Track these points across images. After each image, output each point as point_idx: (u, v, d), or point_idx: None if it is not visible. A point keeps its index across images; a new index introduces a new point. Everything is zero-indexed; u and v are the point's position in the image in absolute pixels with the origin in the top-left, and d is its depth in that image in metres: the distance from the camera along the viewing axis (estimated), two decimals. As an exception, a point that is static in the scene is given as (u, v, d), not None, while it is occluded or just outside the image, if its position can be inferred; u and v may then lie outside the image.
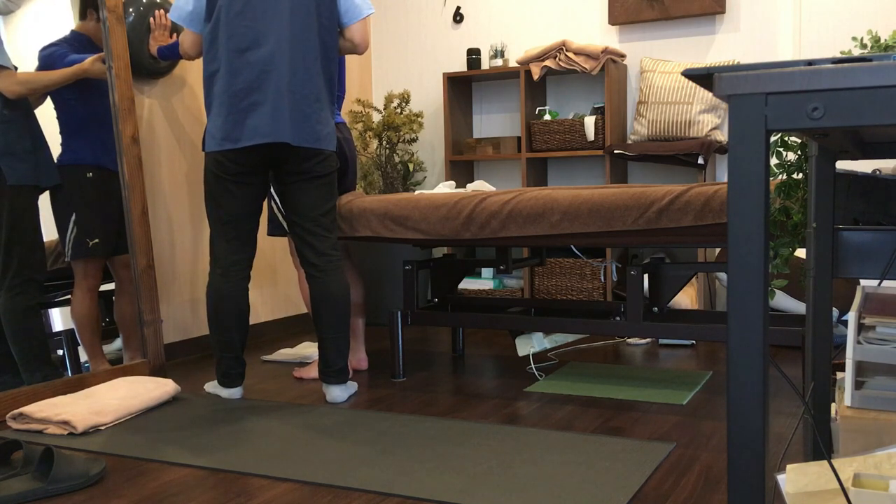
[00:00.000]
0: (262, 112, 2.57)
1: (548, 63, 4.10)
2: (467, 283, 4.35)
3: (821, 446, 1.53)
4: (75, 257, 3.03)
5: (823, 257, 1.60)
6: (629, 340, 3.71)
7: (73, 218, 3.02)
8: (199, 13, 2.67)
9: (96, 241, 3.07)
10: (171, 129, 3.61)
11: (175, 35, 3.37)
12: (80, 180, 3.05)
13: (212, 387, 2.94)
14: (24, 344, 2.82)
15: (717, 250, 3.83)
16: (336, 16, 2.72)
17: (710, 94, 3.58)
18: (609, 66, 4.01)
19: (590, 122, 4.04)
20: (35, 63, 2.94)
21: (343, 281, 2.78)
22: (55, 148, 2.99)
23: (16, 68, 2.83)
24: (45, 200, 2.96)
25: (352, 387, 2.88)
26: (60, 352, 2.99)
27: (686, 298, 3.72)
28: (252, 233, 2.78)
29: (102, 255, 3.12)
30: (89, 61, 2.98)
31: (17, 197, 2.83)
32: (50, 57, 2.98)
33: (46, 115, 2.97)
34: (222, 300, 2.73)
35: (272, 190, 3.06)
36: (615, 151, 3.98)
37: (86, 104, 3.09)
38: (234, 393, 2.86)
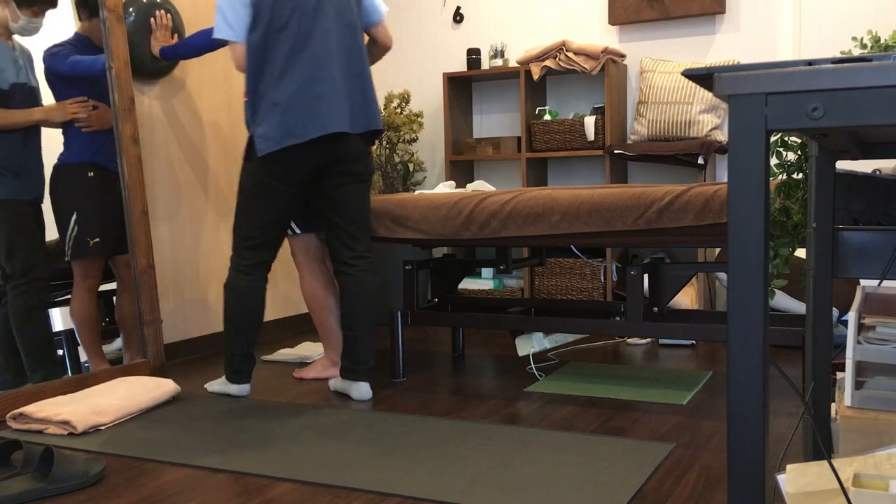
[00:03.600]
0: (325, 105, 2.63)
1: (548, 63, 4.10)
2: (467, 283, 4.35)
3: (821, 446, 1.53)
4: (75, 256, 3.03)
5: (823, 257, 1.60)
6: (629, 340, 3.71)
7: (74, 217, 3.02)
8: (246, 26, 2.66)
9: (97, 240, 3.08)
10: (171, 129, 3.61)
11: (176, 35, 3.37)
12: (81, 180, 3.05)
13: (218, 385, 2.93)
14: (27, 343, 2.83)
15: (717, 250, 3.83)
16: (362, 17, 2.83)
17: (710, 94, 3.58)
18: (609, 66, 4.01)
19: (590, 122, 4.04)
20: (40, 65, 2.95)
21: (377, 281, 2.87)
22: (56, 148, 3.00)
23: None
24: (44, 199, 2.97)
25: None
26: (60, 352, 2.99)
27: (686, 298, 3.72)
28: (281, 238, 2.83)
29: (103, 254, 3.12)
30: (53, 108, 2.98)
31: (11, 208, 2.84)
32: (52, 58, 2.98)
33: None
34: (244, 299, 2.76)
35: None
36: (615, 151, 3.98)
37: (89, 106, 3.09)
38: (243, 389, 2.88)
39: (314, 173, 2.76)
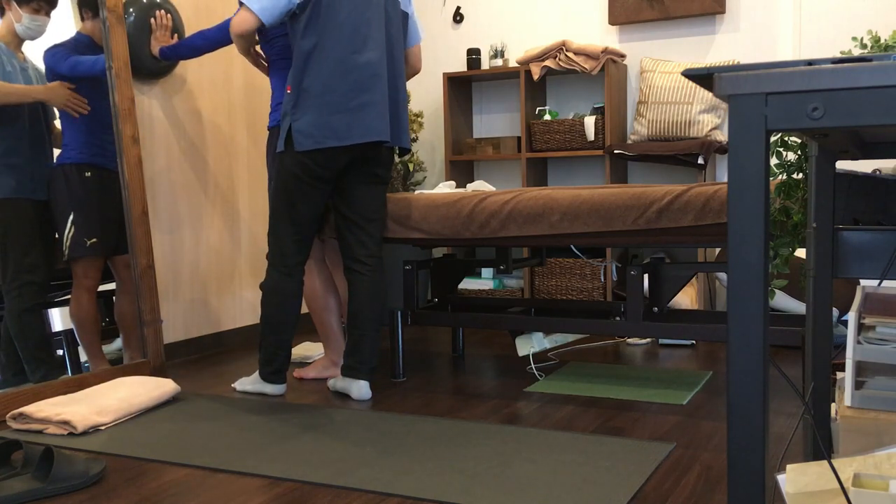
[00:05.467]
0: (371, 112, 2.68)
1: (548, 63, 4.10)
2: (467, 283, 4.35)
3: (821, 446, 1.53)
4: (73, 257, 3.03)
5: (823, 257, 1.60)
6: (629, 340, 3.70)
7: (72, 217, 3.02)
8: (279, 14, 2.65)
9: (94, 240, 3.07)
10: (171, 129, 3.61)
11: (176, 35, 3.37)
12: (78, 180, 3.05)
13: (251, 384, 2.94)
14: (23, 345, 2.83)
15: (717, 250, 3.83)
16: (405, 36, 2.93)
17: (710, 94, 3.58)
18: (609, 66, 4.01)
19: (590, 122, 4.04)
20: (41, 64, 2.95)
21: (385, 281, 2.92)
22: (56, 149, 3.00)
23: None
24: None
25: None
26: (60, 352, 2.99)
27: (686, 298, 3.72)
28: (314, 234, 2.88)
29: (101, 254, 3.12)
30: (52, 87, 2.98)
31: (10, 208, 2.83)
32: (52, 58, 2.98)
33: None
34: (287, 299, 2.81)
35: None
36: (615, 151, 3.98)
37: (86, 104, 3.09)
38: (280, 389, 2.89)
39: (342, 174, 2.81)
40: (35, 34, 2.87)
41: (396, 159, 4.47)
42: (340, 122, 2.64)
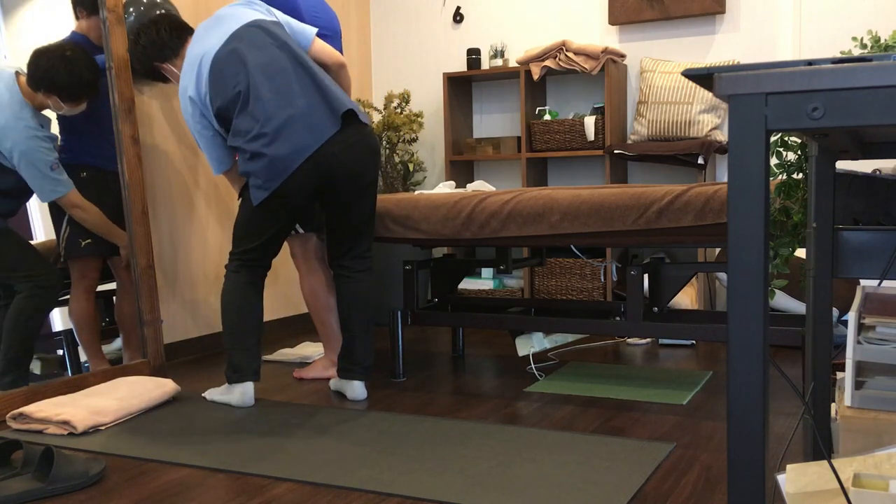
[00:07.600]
0: (287, 137, 2.57)
1: (548, 63, 4.10)
2: (467, 283, 4.35)
3: (821, 446, 1.53)
4: (69, 257, 3.03)
5: (823, 257, 1.60)
6: (629, 340, 3.70)
7: (67, 217, 3.02)
8: (223, 142, 2.78)
9: (88, 241, 3.07)
10: (171, 129, 3.61)
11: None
12: (74, 180, 3.04)
13: (219, 393, 2.83)
14: (9, 345, 2.81)
15: (717, 250, 3.83)
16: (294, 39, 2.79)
17: (710, 94, 3.58)
18: (609, 66, 4.01)
19: (590, 122, 4.04)
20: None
21: (372, 280, 2.88)
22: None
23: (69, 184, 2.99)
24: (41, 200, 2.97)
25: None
26: (60, 352, 2.99)
27: (686, 298, 3.72)
28: (280, 243, 2.80)
29: (98, 254, 3.11)
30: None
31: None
32: None
33: (49, 114, 2.97)
34: (241, 297, 2.72)
35: None
36: (615, 151, 3.98)
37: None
38: (246, 396, 2.74)
39: (319, 189, 2.71)
40: (72, 114, 3.03)
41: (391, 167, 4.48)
42: (272, 163, 2.57)
